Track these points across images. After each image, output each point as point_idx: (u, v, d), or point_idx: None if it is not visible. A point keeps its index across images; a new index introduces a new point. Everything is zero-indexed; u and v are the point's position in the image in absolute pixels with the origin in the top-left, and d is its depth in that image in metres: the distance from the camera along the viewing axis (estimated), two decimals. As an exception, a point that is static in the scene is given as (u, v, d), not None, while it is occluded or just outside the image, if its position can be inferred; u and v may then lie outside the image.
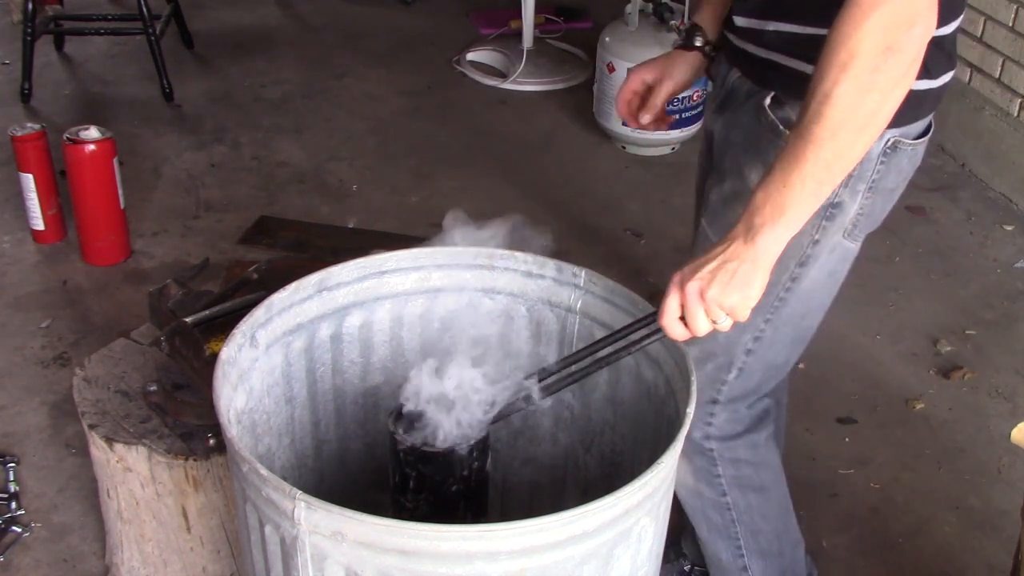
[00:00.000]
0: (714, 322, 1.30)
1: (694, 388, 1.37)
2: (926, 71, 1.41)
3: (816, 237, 1.50)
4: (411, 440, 1.41)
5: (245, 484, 1.30)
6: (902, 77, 1.21)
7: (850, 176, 1.43)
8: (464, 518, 1.45)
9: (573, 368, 1.46)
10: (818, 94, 1.21)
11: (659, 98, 1.72)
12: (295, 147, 3.80)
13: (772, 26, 1.45)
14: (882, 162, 1.46)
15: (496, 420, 1.44)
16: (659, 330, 1.36)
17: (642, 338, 1.41)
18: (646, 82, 1.73)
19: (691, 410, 1.35)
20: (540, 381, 1.46)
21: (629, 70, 1.76)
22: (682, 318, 1.32)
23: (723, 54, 1.63)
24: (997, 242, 3.37)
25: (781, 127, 1.44)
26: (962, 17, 1.47)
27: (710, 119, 1.68)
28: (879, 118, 1.23)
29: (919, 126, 1.48)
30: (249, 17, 4.87)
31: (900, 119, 1.41)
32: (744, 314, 1.30)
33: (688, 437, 1.66)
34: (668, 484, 1.38)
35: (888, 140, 1.44)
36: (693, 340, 1.57)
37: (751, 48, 1.51)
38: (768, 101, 1.47)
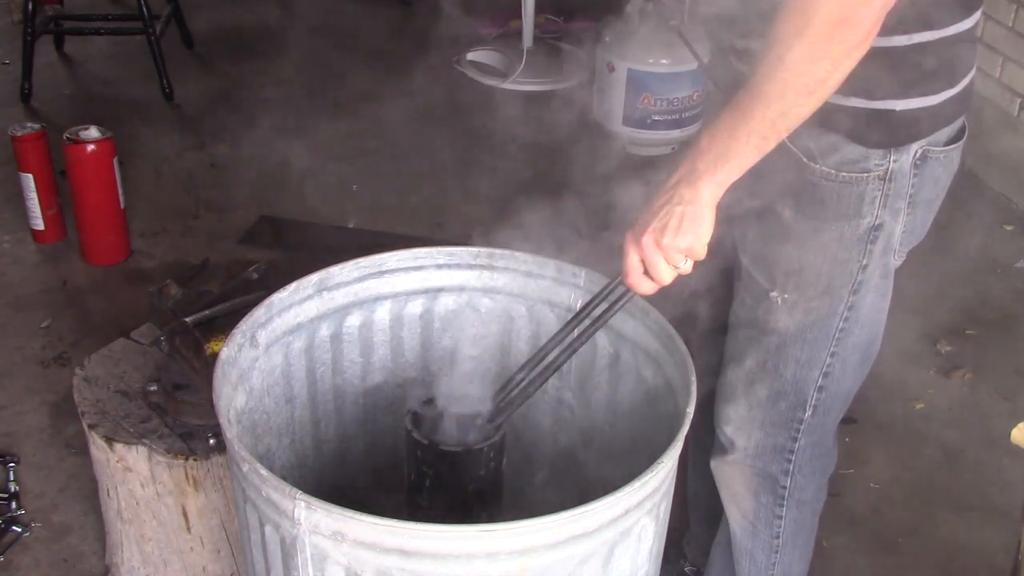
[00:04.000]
0: (676, 267, 1.32)
1: (694, 388, 1.37)
2: (939, 79, 1.38)
3: (864, 262, 1.48)
4: (429, 439, 1.41)
5: (245, 484, 1.30)
6: (855, 48, 1.21)
7: (886, 195, 1.42)
8: (479, 518, 1.45)
9: (546, 362, 1.44)
10: (771, 56, 1.22)
11: None
12: (295, 147, 3.80)
13: None
14: (915, 175, 1.43)
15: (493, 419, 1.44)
16: (623, 296, 1.37)
17: (608, 308, 1.40)
18: None
19: (691, 410, 1.35)
20: (510, 388, 1.45)
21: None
22: (646, 273, 1.33)
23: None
24: (997, 242, 3.37)
25: (804, 159, 1.42)
26: (978, 16, 1.42)
27: None
28: (828, 84, 1.23)
29: (947, 132, 1.45)
30: (249, 17, 4.87)
31: (922, 130, 1.41)
32: (701, 252, 1.31)
33: (759, 473, 1.66)
34: (668, 484, 1.38)
35: (916, 152, 1.42)
36: (761, 380, 1.58)
37: None
38: None
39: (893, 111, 1.38)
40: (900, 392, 2.71)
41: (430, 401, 1.48)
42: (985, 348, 2.89)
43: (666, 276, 1.32)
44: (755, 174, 1.45)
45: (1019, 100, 3.53)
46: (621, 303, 1.40)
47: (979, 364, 2.83)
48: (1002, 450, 2.53)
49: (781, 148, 1.42)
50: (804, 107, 1.25)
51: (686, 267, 1.32)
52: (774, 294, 1.51)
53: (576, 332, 1.44)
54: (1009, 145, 3.56)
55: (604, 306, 1.42)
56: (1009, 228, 3.44)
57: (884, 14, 1.20)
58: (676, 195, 1.29)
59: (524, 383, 1.45)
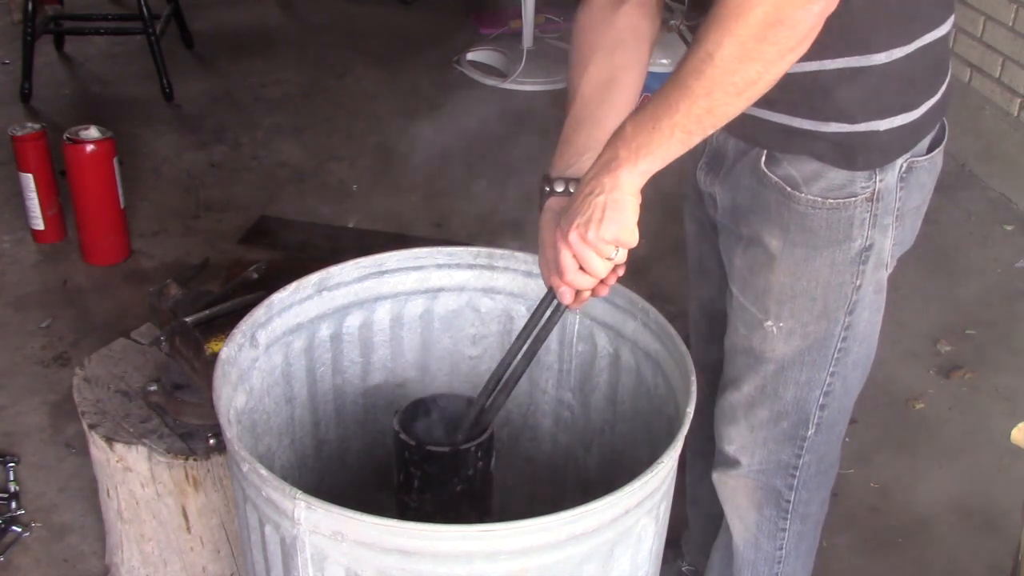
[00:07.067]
0: (609, 259, 1.27)
1: (694, 388, 1.37)
2: (921, 91, 1.37)
3: (858, 283, 1.46)
4: (416, 439, 1.41)
5: (245, 484, 1.30)
6: (789, 52, 1.16)
7: (875, 215, 1.40)
8: (468, 518, 1.45)
9: (505, 377, 1.42)
10: (700, 50, 1.16)
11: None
12: (295, 147, 3.80)
13: None
14: (901, 188, 1.41)
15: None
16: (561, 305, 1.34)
17: (552, 313, 1.37)
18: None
19: (691, 410, 1.35)
20: (481, 407, 1.43)
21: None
22: (581, 268, 1.28)
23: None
24: (997, 242, 3.37)
25: (788, 188, 1.39)
26: (952, 19, 1.39)
27: (704, 179, 1.55)
28: (759, 86, 1.18)
29: (929, 138, 1.43)
30: (249, 17, 4.87)
31: (907, 144, 1.38)
32: (632, 239, 1.26)
33: (763, 487, 1.65)
34: (668, 484, 1.38)
35: (901, 167, 1.40)
36: (761, 403, 1.56)
37: None
38: (763, 161, 1.40)
39: (877, 131, 1.35)
40: (900, 392, 2.71)
41: (419, 401, 1.48)
42: (985, 348, 2.89)
43: (600, 269, 1.27)
44: (738, 208, 1.43)
45: (1019, 100, 3.53)
46: (558, 314, 1.36)
47: (979, 364, 2.83)
48: (1002, 450, 2.53)
49: (762, 179, 1.41)
50: (732, 106, 1.20)
51: (620, 256, 1.27)
52: (768, 323, 1.49)
53: (526, 346, 1.40)
54: (1009, 145, 3.56)
55: (544, 320, 1.38)
56: (1009, 228, 3.44)
57: (823, 19, 1.15)
58: (597, 185, 1.24)
59: (494, 394, 1.43)
